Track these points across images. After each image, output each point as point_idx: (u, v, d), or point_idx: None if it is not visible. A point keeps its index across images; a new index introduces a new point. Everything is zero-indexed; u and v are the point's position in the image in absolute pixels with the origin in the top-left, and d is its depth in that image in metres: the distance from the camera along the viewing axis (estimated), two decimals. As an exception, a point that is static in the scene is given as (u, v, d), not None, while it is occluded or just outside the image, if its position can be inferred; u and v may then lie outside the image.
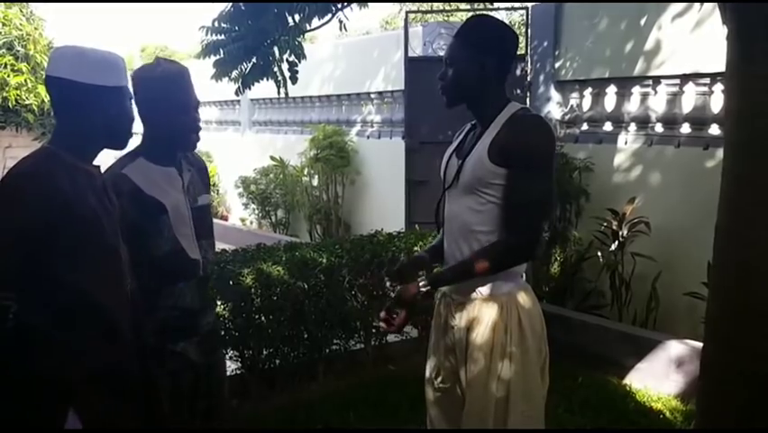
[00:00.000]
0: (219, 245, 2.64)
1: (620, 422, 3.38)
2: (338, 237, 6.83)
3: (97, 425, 1.62)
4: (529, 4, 5.91)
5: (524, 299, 1.93)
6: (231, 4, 3.95)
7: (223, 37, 4.02)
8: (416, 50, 6.43)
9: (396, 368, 4.02)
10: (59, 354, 1.59)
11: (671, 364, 3.71)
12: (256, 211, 8.97)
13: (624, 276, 4.63)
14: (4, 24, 7.34)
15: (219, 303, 3.27)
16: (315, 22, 4.05)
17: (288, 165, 8.48)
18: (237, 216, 9.81)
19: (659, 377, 3.74)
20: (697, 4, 4.37)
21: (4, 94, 7.15)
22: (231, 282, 3.39)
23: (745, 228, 2.09)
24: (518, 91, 5.59)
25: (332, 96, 8.62)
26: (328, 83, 8.56)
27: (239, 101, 10.03)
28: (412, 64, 5.88)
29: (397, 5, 13.49)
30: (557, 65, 5.56)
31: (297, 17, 3.96)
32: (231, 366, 3.42)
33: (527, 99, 5.70)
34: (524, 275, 2.05)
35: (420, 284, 1.92)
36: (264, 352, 3.62)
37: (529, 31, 5.77)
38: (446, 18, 7.91)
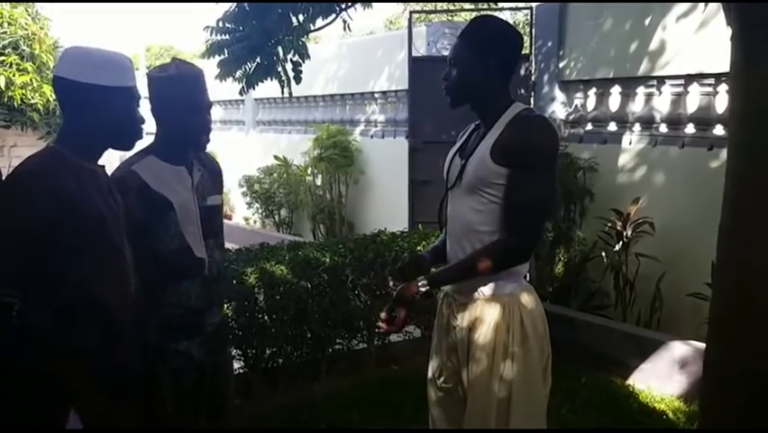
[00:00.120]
0: (223, 245, 2.64)
1: (623, 423, 3.37)
2: (341, 237, 6.83)
3: (98, 425, 1.63)
4: (533, 4, 5.90)
5: (526, 299, 1.93)
6: (235, 4, 3.96)
7: (227, 37, 4.04)
8: (420, 49, 6.43)
9: (399, 368, 4.02)
10: (61, 353, 1.60)
11: (674, 365, 3.71)
12: (260, 210, 8.98)
13: (628, 276, 4.62)
14: (9, 24, 7.36)
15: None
16: (319, 22, 4.07)
17: (292, 165, 8.49)
18: (241, 215, 9.83)
19: (662, 378, 3.73)
20: (701, 5, 4.36)
21: (10, 93, 7.17)
22: (234, 282, 3.39)
23: (747, 229, 2.09)
24: (523, 91, 5.59)
25: (335, 95, 8.63)
26: (332, 83, 8.56)
27: (243, 101, 10.04)
28: (416, 64, 5.88)
29: (401, 5, 13.50)
30: (561, 65, 5.55)
31: (301, 17, 3.98)
32: (234, 365, 3.43)
33: (532, 99, 5.70)
34: (527, 275, 2.05)
35: (420, 283, 1.92)
36: (267, 351, 3.63)
37: (533, 30, 5.76)
38: (450, 18, 7.92)
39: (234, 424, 2.36)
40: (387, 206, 7.20)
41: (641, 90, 5.05)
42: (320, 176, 8.11)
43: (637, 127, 5.06)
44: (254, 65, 4.11)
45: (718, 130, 4.52)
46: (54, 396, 1.59)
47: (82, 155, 1.68)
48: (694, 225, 4.27)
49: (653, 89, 4.94)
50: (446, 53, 2.03)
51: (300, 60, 4.13)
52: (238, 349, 3.51)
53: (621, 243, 4.62)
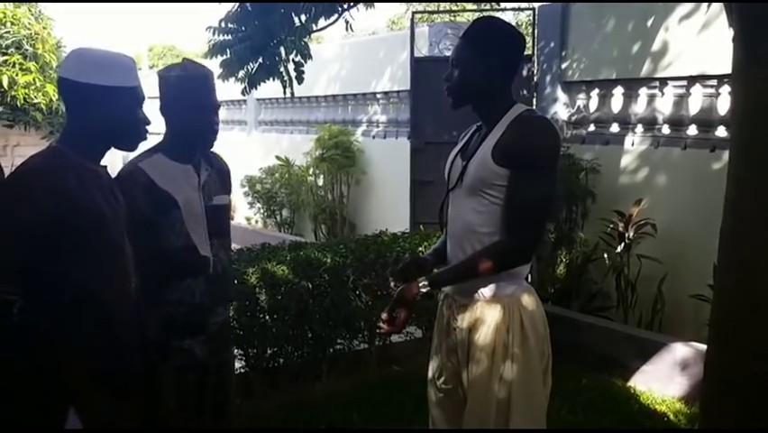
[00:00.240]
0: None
1: (624, 424, 3.37)
2: (343, 237, 6.84)
3: (97, 422, 1.63)
4: (536, 5, 5.90)
5: (527, 300, 1.93)
6: (238, 4, 3.97)
7: (229, 37, 4.05)
8: (423, 50, 6.43)
9: (400, 368, 4.02)
10: (61, 351, 1.60)
11: (675, 367, 3.70)
12: (261, 210, 8.99)
13: (629, 278, 4.61)
14: (12, 23, 7.38)
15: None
16: (322, 22, 4.07)
17: (294, 165, 8.49)
18: (242, 215, 9.84)
19: (664, 379, 3.73)
20: (704, 6, 4.36)
21: (13, 93, 7.18)
22: (236, 281, 3.40)
23: (748, 230, 2.08)
24: (525, 92, 5.58)
25: (338, 96, 8.64)
26: (334, 83, 8.57)
27: (245, 101, 10.06)
28: (418, 64, 5.88)
29: (403, 6, 13.50)
30: (564, 66, 5.55)
31: (303, 17, 3.98)
32: (235, 365, 3.43)
33: (534, 100, 5.70)
34: (529, 276, 2.05)
35: (420, 284, 1.92)
36: (268, 351, 3.63)
37: (536, 31, 5.76)
38: (453, 18, 7.92)
39: (235, 423, 2.36)
40: (388, 206, 7.21)
41: (643, 91, 5.05)
42: (322, 176, 8.11)
43: (640, 128, 5.06)
44: (256, 65, 4.12)
45: (721, 131, 4.52)
46: (53, 393, 1.59)
47: (84, 155, 1.69)
48: (696, 226, 4.26)
49: (656, 90, 4.94)
50: (449, 54, 2.03)
51: (302, 61, 4.14)
52: (239, 349, 3.51)
53: (623, 244, 4.61)
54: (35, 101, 7.33)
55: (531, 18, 5.98)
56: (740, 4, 2.08)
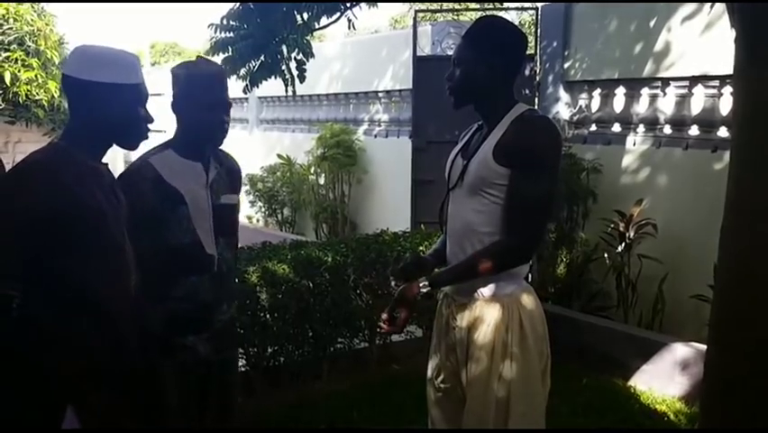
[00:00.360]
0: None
1: (624, 424, 3.37)
2: (344, 236, 6.84)
3: (95, 419, 1.63)
4: (539, 4, 5.89)
5: (526, 300, 1.93)
6: (239, 2, 3.97)
7: (231, 35, 4.05)
8: (425, 49, 6.43)
9: (400, 367, 4.02)
10: (59, 348, 1.60)
11: (676, 367, 3.70)
12: (263, 209, 8.99)
13: (630, 278, 4.61)
14: (15, 20, 7.38)
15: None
16: (324, 20, 4.07)
17: (295, 163, 8.49)
18: (244, 213, 9.83)
19: (664, 379, 3.73)
20: (707, 6, 4.35)
21: (15, 89, 7.18)
22: (237, 280, 3.40)
23: (748, 231, 2.08)
24: (527, 91, 5.58)
25: (339, 94, 8.63)
26: (336, 81, 8.56)
27: (247, 99, 10.05)
28: (420, 63, 5.88)
29: (406, 4, 13.48)
30: (566, 65, 5.55)
31: (305, 15, 3.98)
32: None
33: (536, 99, 5.69)
34: (530, 276, 2.05)
35: (421, 284, 1.92)
36: (269, 350, 3.63)
37: (539, 31, 5.75)
38: (455, 17, 7.90)
39: (236, 422, 2.37)
40: (389, 205, 7.20)
41: (645, 91, 5.04)
42: (323, 175, 8.11)
43: (641, 128, 5.05)
44: (258, 63, 4.12)
45: (723, 132, 4.51)
46: (51, 389, 1.59)
47: (85, 152, 1.69)
48: (697, 226, 4.26)
49: (658, 91, 4.93)
50: (451, 52, 2.03)
51: (304, 59, 4.13)
52: (240, 347, 3.52)
53: (624, 244, 4.61)
54: (37, 98, 7.34)
55: (534, 17, 5.98)
56: (741, 6, 2.08)
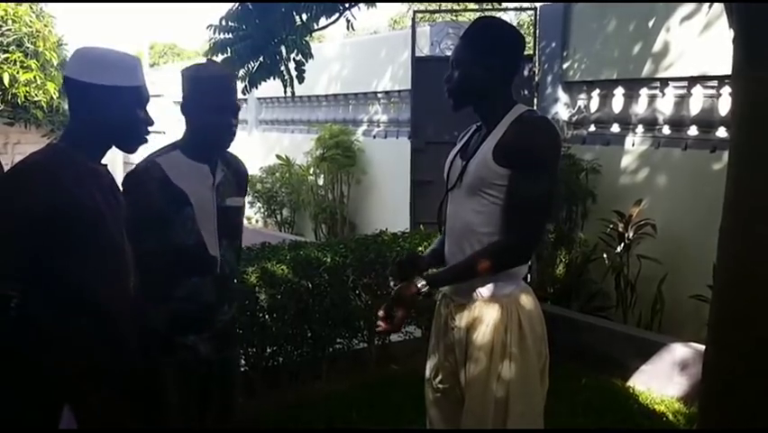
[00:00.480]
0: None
1: (623, 424, 3.37)
2: (343, 237, 6.84)
3: (93, 419, 1.63)
4: (538, 5, 5.90)
5: (525, 300, 1.93)
6: (238, 3, 3.97)
7: (230, 36, 4.04)
8: (424, 49, 6.43)
9: (399, 368, 4.02)
10: (57, 349, 1.61)
11: (675, 367, 3.71)
12: (262, 210, 8.99)
13: (629, 278, 4.62)
14: (13, 21, 7.38)
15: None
16: (323, 21, 4.06)
17: (294, 164, 8.49)
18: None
19: (663, 379, 3.73)
20: (705, 7, 4.36)
21: (14, 90, 7.18)
22: (236, 281, 3.40)
23: (746, 231, 2.08)
24: (526, 92, 5.58)
25: (338, 95, 8.63)
26: (335, 82, 8.56)
27: (246, 100, 10.04)
28: (419, 64, 5.88)
29: (405, 5, 13.48)
30: (565, 66, 5.55)
31: (304, 16, 3.98)
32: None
33: (535, 100, 5.69)
34: (529, 276, 2.05)
35: (419, 284, 1.92)
36: (268, 350, 3.63)
37: (537, 31, 5.76)
38: (454, 18, 7.91)
39: (237, 422, 2.37)
40: (389, 206, 7.20)
41: (644, 92, 5.05)
42: (322, 176, 8.11)
43: (640, 129, 5.06)
44: (257, 64, 4.11)
45: (721, 132, 4.52)
46: (50, 389, 1.59)
47: (84, 153, 1.69)
48: (696, 227, 4.26)
49: (657, 91, 4.94)
50: (450, 53, 2.03)
51: (303, 60, 4.13)
52: (239, 348, 3.52)
53: (623, 244, 4.61)
54: (36, 99, 7.33)
55: (532, 18, 5.98)
56: (739, 6, 2.09)
